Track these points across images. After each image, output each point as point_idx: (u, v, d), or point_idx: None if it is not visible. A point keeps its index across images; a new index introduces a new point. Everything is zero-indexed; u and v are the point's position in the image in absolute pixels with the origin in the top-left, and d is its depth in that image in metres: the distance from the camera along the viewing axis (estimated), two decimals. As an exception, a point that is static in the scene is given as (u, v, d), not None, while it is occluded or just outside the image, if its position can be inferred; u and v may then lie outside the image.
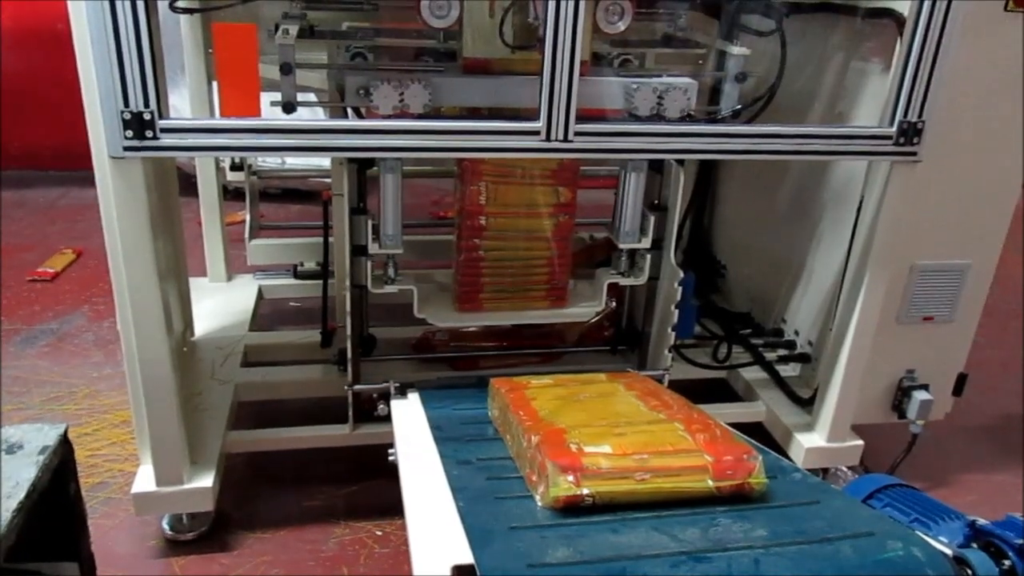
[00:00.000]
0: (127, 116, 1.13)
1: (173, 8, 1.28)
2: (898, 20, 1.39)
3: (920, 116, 1.36)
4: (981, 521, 1.01)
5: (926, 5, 1.29)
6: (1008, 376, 2.29)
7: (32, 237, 2.85)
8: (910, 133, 1.37)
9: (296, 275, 2.23)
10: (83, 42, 1.11)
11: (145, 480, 1.41)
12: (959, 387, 1.75)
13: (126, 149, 1.15)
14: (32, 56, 3.19)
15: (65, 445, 0.99)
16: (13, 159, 3.33)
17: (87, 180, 1.22)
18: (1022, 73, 1.48)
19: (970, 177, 1.55)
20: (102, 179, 1.21)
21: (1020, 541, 0.95)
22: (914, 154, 1.39)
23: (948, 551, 0.95)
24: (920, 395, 1.68)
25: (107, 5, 1.06)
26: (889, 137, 1.38)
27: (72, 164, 3.21)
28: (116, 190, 1.18)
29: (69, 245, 2.75)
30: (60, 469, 0.97)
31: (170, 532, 1.50)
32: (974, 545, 0.99)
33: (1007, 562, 0.95)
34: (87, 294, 2.45)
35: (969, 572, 0.93)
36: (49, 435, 0.97)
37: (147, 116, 1.13)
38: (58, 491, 0.98)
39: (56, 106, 3.03)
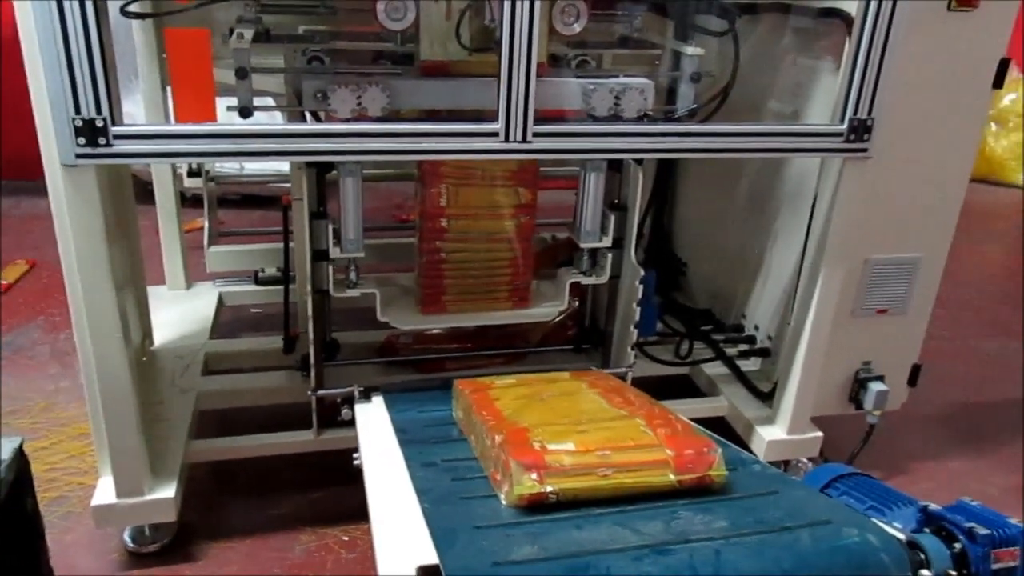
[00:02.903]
0: (79, 123, 1.11)
1: (124, 13, 1.27)
2: (847, 20, 1.42)
3: (870, 113, 1.40)
4: (933, 506, 1.04)
5: (872, 5, 1.32)
6: (961, 366, 2.35)
7: (-17, 248, 2.78)
8: (860, 130, 1.41)
9: (257, 281, 2.20)
10: (31, 47, 1.09)
11: (105, 492, 1.38)
12: (913, 377, 1.80)
13: (78, 156, 1.13)
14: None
15: (21, 459, 0.97)
16: (-37, 169, 3.25)
17: (39, 190, 1.20)
18: (966, 70, 1.53)
19: (920, 172, 1.59)
20: (54, 188, 1.19)
21: (970, 524, 0.98)
22: (865, 151, 1.43)
23: (902, 536, 0.98)
24: (876, 386, 1.72)
25: (55, 7, 1.05)
26: (840, 134, 1.41)
27: (24, 173, 3.15)
28: (69, 199, 1.17)
29: (22, 256, 2.69)
30: (16, 484, 0.96)
31: (132, 545, 1.47)
32: (927, 530, 1.02)
33: (958, 545, 0.98)
34: (42, 305, 2.40)
35: (922, 556, 0.95)
36: (4, 449, 0.95)
37: (99, 123, 1.12)
38: (14, 506, 0.96)
39: (6, 114, 2.96)
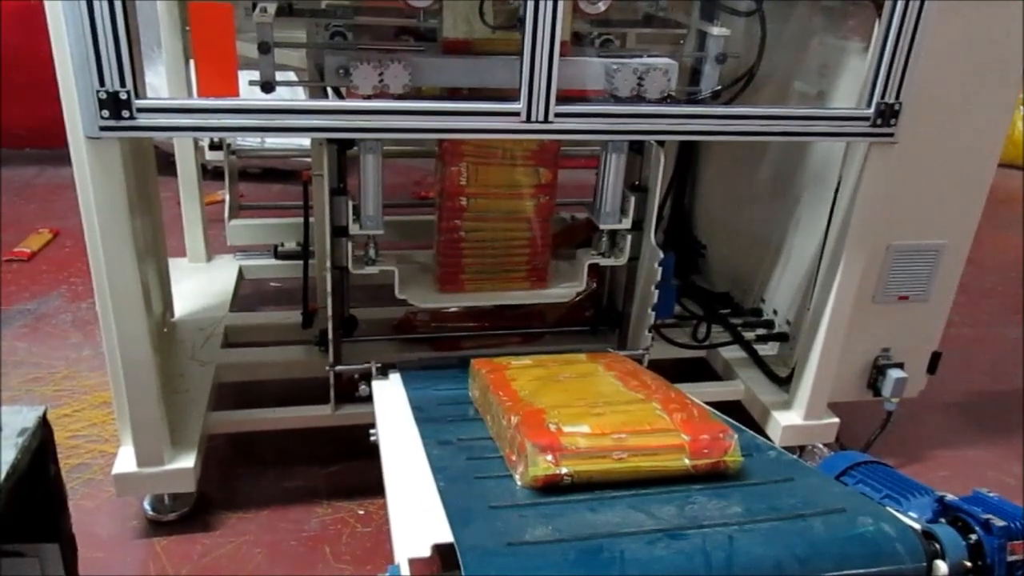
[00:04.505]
0: (103, 96, 1.11)
1: (149, -15, 1.27)
2: (876, 1, 1.39)
3: (897, 98, 1.37)
4: (949, 497, 1.03)
5: (904, -13, 1.29)
6: (981, 354, 2.33)
7: (8, 217, 2.81)
8: (887, 115, 1.39)
9: (277, 255, 2.23)
10: (56, 19, 1.10)
11: (126, 461, 1.41)
12: (933, 365, 1.78)
13: (102, 129, 1.14)
14: (3, 32, 3.12)
15: (44, 427, 0.98)
16: (-13, 137, 3.28)
17: (63, 158, 1.21)
18: (997, 54, 1.50)
19: (946, 158, 1.57)
20: (78, 159, 1.20)
21: (986, 516, 0.97)
22: (891, 135, 1.41)
23: (917, 526, 0.97)
24: (895, 373, 1.71)
25: (80, -19, 1.05)
26: (867, 119, 1.39)
27: (47, 142, 3.18)
28: (92, 170, 1.17)
29: (46, 225, 2.72)
30: (39, 451, 0.97)
31: (152, 513, 1.50)
32: (942, 520, 1.01)
33: (973, 536, 0.97)
34: (65, 274, 2.43)
35: (937, 546, 0.95)
36: (28, 417, 0.97)
37: (123, 96, 1.12)
38: (37, 473, 0.98)
39: (30, 83, 2.98)
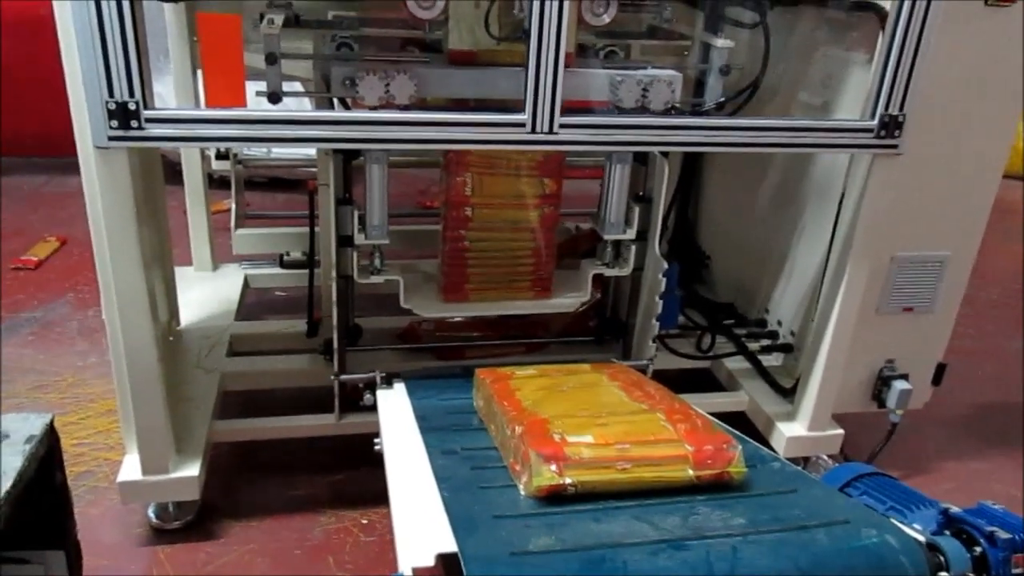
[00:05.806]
0: (112, 106, 1.12)
1: (158, -3, 1.28)
2: (880, 14, 1.40)
3: (901, 109, 1.38)
4: (954, 509, 1.03)
5: (907, 1, 1.30)
6: (986, 365, 2.32)
7: (15, 224, 2.83)
8: (891, 126, 1.39)
9: (282, 264, 2.24)
10: (67, 30, 1.11)
11: (131, 469, 1.41)
12: (938, 377, 1.78)
13: (111, 139, 1.14)
14: (12, 41, 3.15)
15: (51, 434, 0.99)
16: (-5, 145, 3.30)
17: (70, 166, 1.22)
18: (1002, 66, 1.50)
19: (950, 169, 1.57)
20: (87, 168, 1.21)
21: (991, 528, 0.97)
22: (895, 147, 1.41)
23: (921, 538, 0.97)
24: (899, 384, 1.70)
25: (91, -6, 1.06)
26: (870, 130, 1.39)
27: (55, 150, 3.19)
28: (101, 180, 1.18)
29: (53, 233, 2.74)
30: (46, 458, 0.98)
31: (156, 521, 1.50)
32: (947, 532, 1.01)
33: (978, 549, 0.97)
34: (71, 282, 2.44)
35: (941, 558, 0.95)
36: (35, 424, 0.97)
37: (132, 106, 1.13)
38: (44, 480, 0.99)
39: (38, 92, 3.00)
